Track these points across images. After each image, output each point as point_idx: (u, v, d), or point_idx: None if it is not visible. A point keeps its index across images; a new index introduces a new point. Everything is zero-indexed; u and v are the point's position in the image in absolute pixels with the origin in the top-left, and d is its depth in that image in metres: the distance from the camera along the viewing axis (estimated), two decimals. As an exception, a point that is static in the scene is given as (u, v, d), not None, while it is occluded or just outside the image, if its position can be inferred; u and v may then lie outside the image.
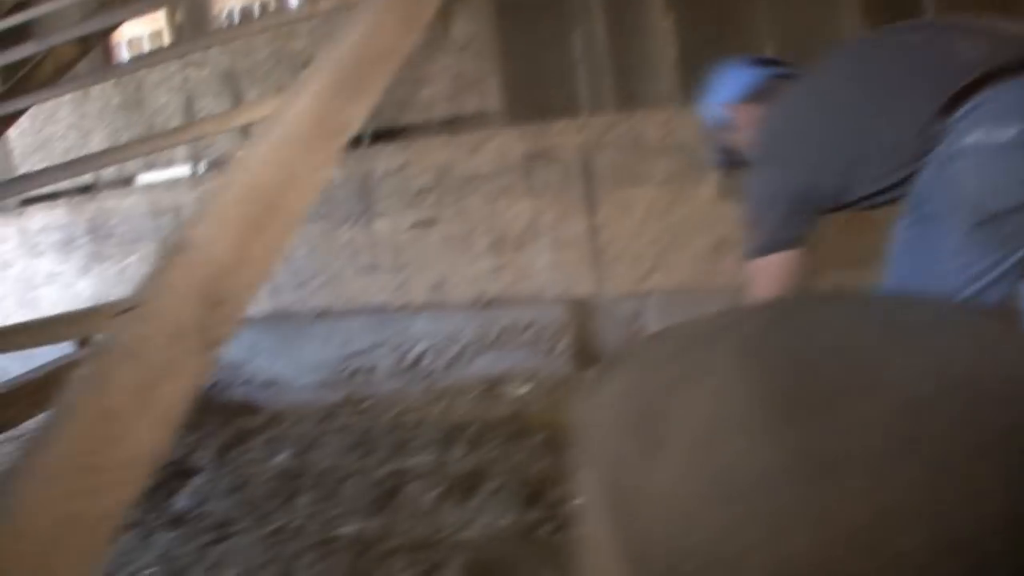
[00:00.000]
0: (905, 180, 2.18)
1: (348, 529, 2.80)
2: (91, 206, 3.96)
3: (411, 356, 3.66)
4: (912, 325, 1.94)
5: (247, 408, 3.98)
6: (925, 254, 2.14)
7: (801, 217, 2.22)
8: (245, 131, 3.61)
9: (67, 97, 4.02)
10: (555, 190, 3.43)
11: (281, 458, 3.40)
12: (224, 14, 4.14)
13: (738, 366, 2.02)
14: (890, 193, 2.22)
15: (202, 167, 3.99)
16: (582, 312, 3.51)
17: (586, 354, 3.54)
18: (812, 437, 1.96)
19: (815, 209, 2.25)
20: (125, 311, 1.23)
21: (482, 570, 2.48)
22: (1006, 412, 1.72)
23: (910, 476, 1.82)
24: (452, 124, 3.44)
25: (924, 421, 1.85)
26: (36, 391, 1.63)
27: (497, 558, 2.52)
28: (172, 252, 1.35)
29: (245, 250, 1.44)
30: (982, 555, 1.67)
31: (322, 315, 3.89)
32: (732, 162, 2.49)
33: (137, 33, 4.43)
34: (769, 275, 2.24)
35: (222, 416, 3.81)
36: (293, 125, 1.54)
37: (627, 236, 3.42)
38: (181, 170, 4.08)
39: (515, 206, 3.48)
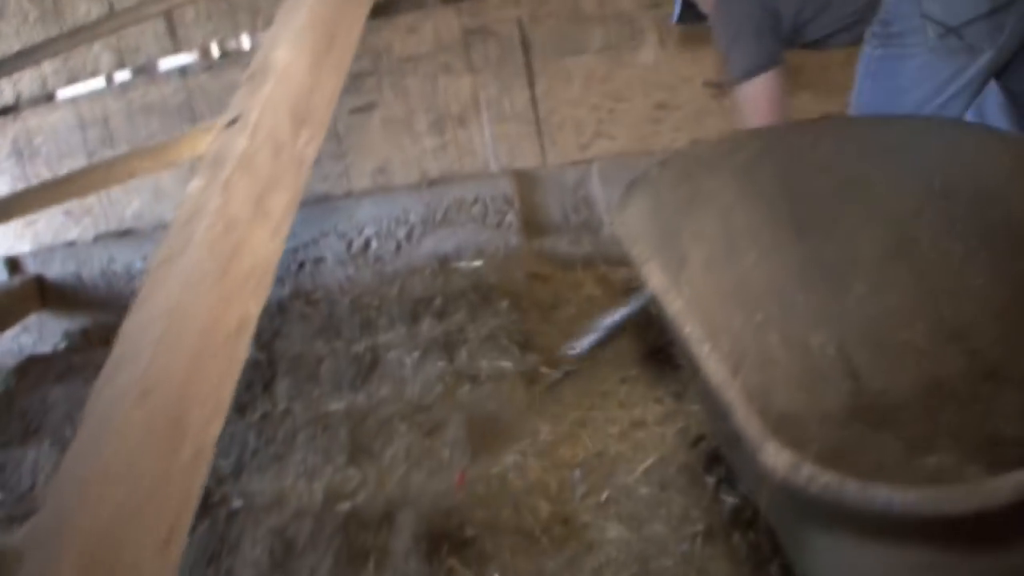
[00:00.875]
0: (859, 22, 2.31)
1: (337, 405, 2.84)
2: (13, 127, 3.83)
3: (359, 242, 3.69)
4: (892, 142, 2.11)
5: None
6: (891, 75, 2.28)
7: (772, 37, 2.34)
8: (172, 36, 3.56)
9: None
10: (495, 65, 3.48)
11: (248, 352, 3.41)
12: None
13: (739, 190, 2.18)
14: (849, 33, 2.35)
15: (127, 74, 3.90)
16: (527, 183, 3.59)
17: (533, 224, 3.63)
18: (816, 249, 2.14)
19: (782, 32, 2.36)
20: (230, 124, 1.30)
21: (482, 423, 2.56)
22: (984, 215, 1.90)
23: (907, 277, 2.00)
24: (387, 7, 3.43)
25: (914, 228, 2.03)
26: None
27: (495, 410, 2.61)
28: (258, 73, 1.41)
29: (318, 73, 1.51)
30: (977, 340, 1.86)
31: (264, 209, 3.87)
32: (695, 15, 2.59)
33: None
34: (757, 100, 2.36)
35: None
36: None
37: (568, 105, 3.50)
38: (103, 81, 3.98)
39: (455, 83, 3.52)
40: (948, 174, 2.04)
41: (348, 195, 3.73)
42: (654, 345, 2.77)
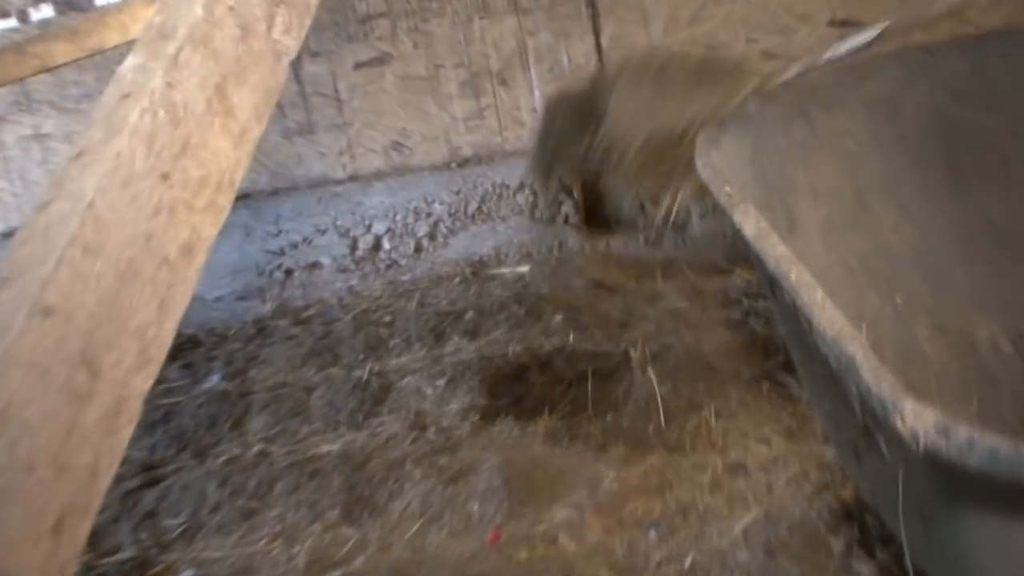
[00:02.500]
0: None
1: (330, 446, 2.80)
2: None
3: (366, 242, 3.64)
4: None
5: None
6: None
7: None
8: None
9: None
10: (547, 1, 3.42)
11: (212, 382, 3.38)
12: None
13: (872, 131, 2.09)
14: None
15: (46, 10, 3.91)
16: (590, 162, 3.51)
17: (598, 218, 3.56)
18: (982, 208, 2.04)
19: None
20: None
21: (525, 469, 2.50)
22: None
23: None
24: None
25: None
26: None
27: (542, 453, 2.55)
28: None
29: None
30: None
31: (239, 199, 3.83)
32: None
33: None
34: None
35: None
36: None
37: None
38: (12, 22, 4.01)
39: (495, 28, 3.46)
40: None
41: (353, 179, 3.69)
42: (762, 368, 2.67)
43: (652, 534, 2.27)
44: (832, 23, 3.20)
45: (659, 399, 2.69)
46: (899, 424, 1.07)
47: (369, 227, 3.64)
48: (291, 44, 1.50)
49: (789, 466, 2.36)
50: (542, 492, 2.46)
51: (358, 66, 3.51)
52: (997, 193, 2.04)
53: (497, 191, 3.53)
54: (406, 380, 2.93)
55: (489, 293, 3.39)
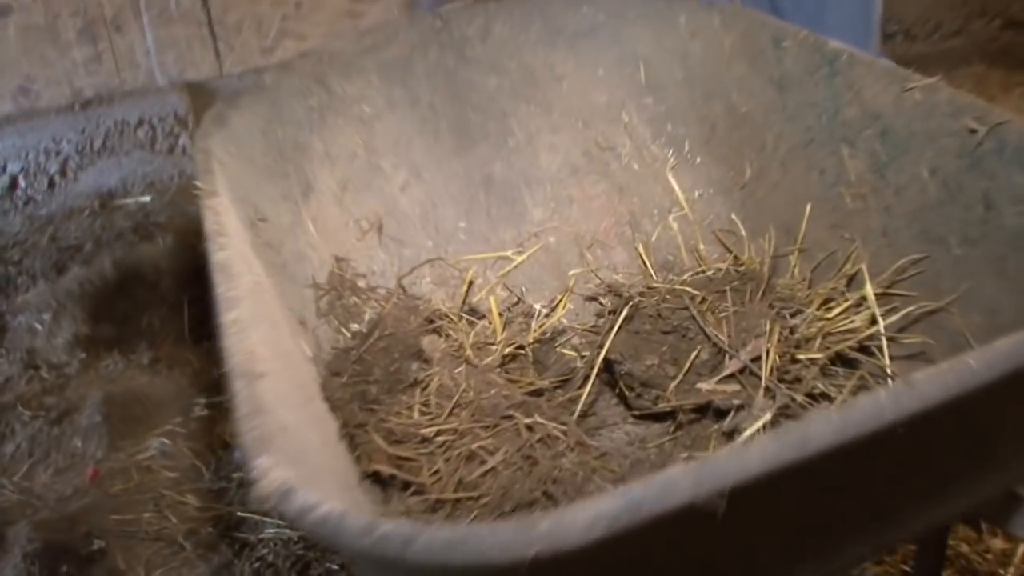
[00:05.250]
0: None
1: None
2: None
3: (2, 182, 3.49)
4: (588, 24, 2.07)
5: None
6: None
7: None
8: None
9: None
10: (154, -51, 3.33)
11: None
12: None
13: (387, 95, 2.08)
14: None
15: None
16: (202, 97, 3.50)
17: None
18: (483, 164, 2.07)
19: None
20: None
21: (125, 403, 2.46)
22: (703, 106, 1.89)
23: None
24: None
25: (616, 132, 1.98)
26: None
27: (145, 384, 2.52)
28: None
29: None
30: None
31: None
32: None
33: None
34: None
35: None
36: None
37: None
38: None
39: (106, -22, 3.34)
40: (652, 61, 2.03)
41: (-17, 124, 3.51)
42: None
43: (237, 455, 2.27)
44: None
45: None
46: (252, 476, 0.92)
47: (4, 167, 3.47)
48: None
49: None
50: (140, 423, 2.42)
51: (-22, 17, 3.32)
52: (496, 151, 2.08)
53: (119, 128, 3.43)
54: (20, 318, 2.81)
55: (112, 224, 3.30)
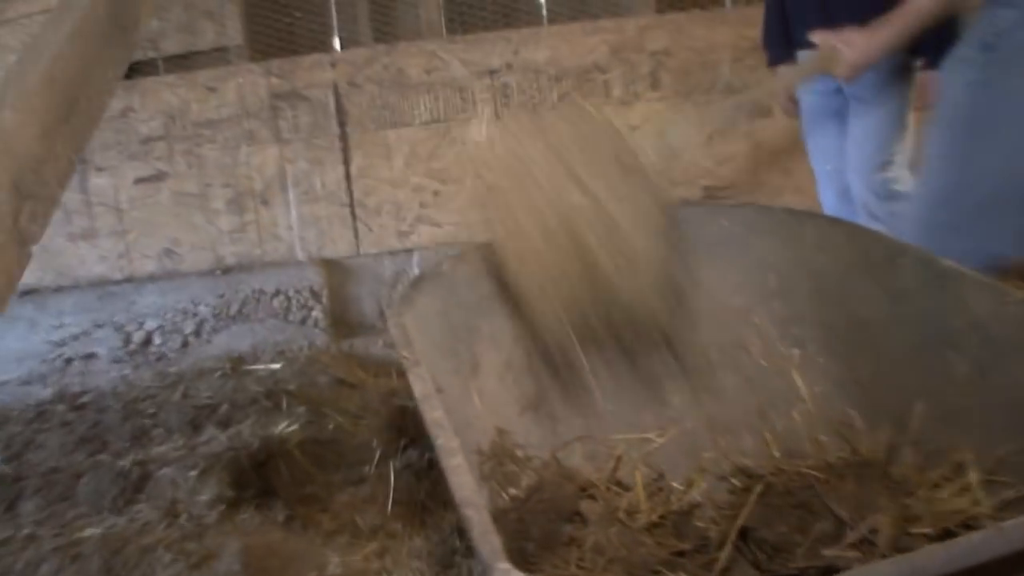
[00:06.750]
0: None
1: (93, 530, 2.82)
2: None
3: (138, 336, 3.71)
4: (725, 234, 2.26)
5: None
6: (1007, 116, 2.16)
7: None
8: None
9: None
10: (305, 134, 3.59)
11: (-9, 464, 3.37)
12: None
13: None
14: None
15: None
16: (338, 274, 3.69)
17: (343, 322, 3.71)
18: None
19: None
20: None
21: (258, 559, 2.58)
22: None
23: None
24: (185, 60, 3.51)
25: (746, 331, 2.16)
26: None
27: (280, 538, 2.63)
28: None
29: (51, 143, 1.54)
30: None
31: (27, 294, 3.87)
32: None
33: None
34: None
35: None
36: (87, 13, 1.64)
37: (388, 185, 3.61)
38: None
39: (259, 155, 3.62)
40: (781, 269, 2.21)
41: (129, 280, 3.77)
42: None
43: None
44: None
45: (391, 489, 2.78)
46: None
47: (142, 324, 3.69)
48: (38, 231, 1.58)
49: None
50: (276, 575, 2.53)
51: (138, 181, 3.62)
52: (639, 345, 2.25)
53: (256, 296, 3.63)
54: (164, 471, 2.97)
55: (244, 387, 3.47)
